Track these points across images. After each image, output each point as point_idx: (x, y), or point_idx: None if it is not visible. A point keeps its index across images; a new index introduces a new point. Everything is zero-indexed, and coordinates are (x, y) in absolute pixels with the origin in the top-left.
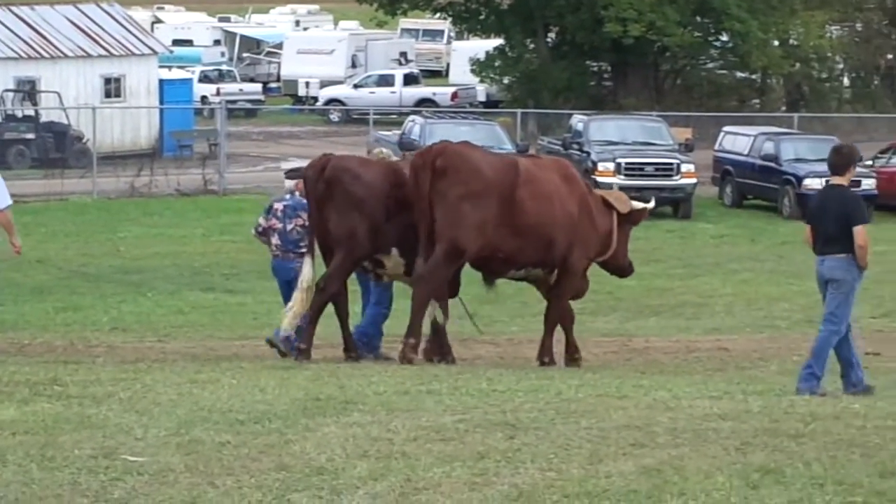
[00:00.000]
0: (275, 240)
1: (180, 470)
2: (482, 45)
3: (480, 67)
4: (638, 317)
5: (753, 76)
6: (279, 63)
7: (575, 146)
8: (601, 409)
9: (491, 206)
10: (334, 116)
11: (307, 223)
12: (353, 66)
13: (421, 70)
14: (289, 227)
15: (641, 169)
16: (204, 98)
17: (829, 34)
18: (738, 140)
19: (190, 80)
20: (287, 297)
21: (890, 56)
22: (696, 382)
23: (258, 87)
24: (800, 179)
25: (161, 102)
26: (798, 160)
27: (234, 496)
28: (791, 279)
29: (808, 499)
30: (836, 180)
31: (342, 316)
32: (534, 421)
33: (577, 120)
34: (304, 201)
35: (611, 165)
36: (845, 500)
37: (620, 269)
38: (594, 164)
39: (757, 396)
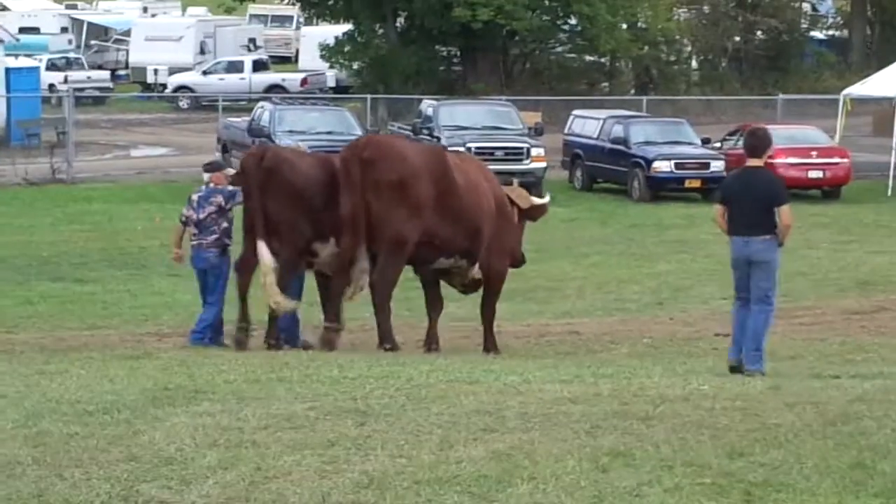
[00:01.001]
0: (192, 228)
1: (28, 462)
2: (331, 31)
3: (330, 53)
4: None
5: (602, 60)
6: (127, 50)
7: (425, 131)
8: (452, 394)
9: (425, 191)
10: (183, 103)
11: (220, 208)
12: (202, 52)
13: (270, 56)
14: (202, 215)
15: (491, 153)
16: (51, 86)
17: (676, 17)
18: (587, 123)
19: (37, 68)
20: (204, 287)
21: (737, 38)
22: (546, 366)
23: (106, 74)
24: (649, 162)
25: (7, 91)
26: (647, 143)
27: (82, 488)
28: (641, 262)
29: (657, 481)
30: (754, 162)
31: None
32: (384, 407)
33: (427, 105)
34: (217, 188)
35: (461, 150)
36: (694, 482)
37: (514, 260)
38: (444, 149)
39: (607, 380)
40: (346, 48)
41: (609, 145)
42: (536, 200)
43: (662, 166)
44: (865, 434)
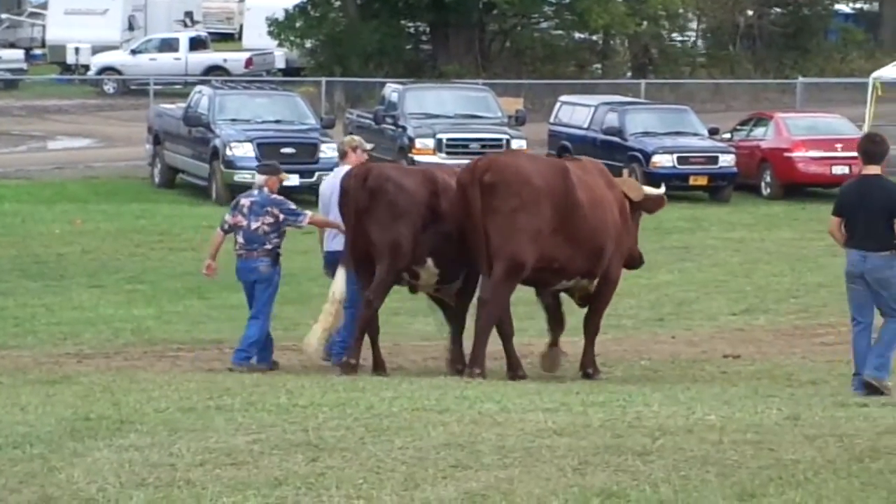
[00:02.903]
0: (239, 238)
1: None
2: (280, 3)
3: (279, 29)
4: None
5: (594, 37)
6: (44, 26)
7: (388, 120)
8: (418, 425)
9: (545, 215)
10: (109, 87)
11: (277, 221)
12: (131, 28)
13: (210, 33)
14: (254, 225)
15: (465, 146)
16: None
17: None
18: (576, 111)
19: None
20: (252, 300)
21: (750, 13)
22: (528, 392)
23: (20, 53)
24: (648, 156)
25: None
26: (646, 134)
27: None
28: (638, 271)
29: None
30: (872, 170)
31: (374, 335)
32: (340, 440)
33: (392, 90)
34: (274, 197)
35: (430, 142)
36: None
37: (632, 260)
38: (411, 140)
39: (598, 408)
40: (298, 23)
41: (602, 136)
42: (651, 191)
43: (663, 161)
44: None
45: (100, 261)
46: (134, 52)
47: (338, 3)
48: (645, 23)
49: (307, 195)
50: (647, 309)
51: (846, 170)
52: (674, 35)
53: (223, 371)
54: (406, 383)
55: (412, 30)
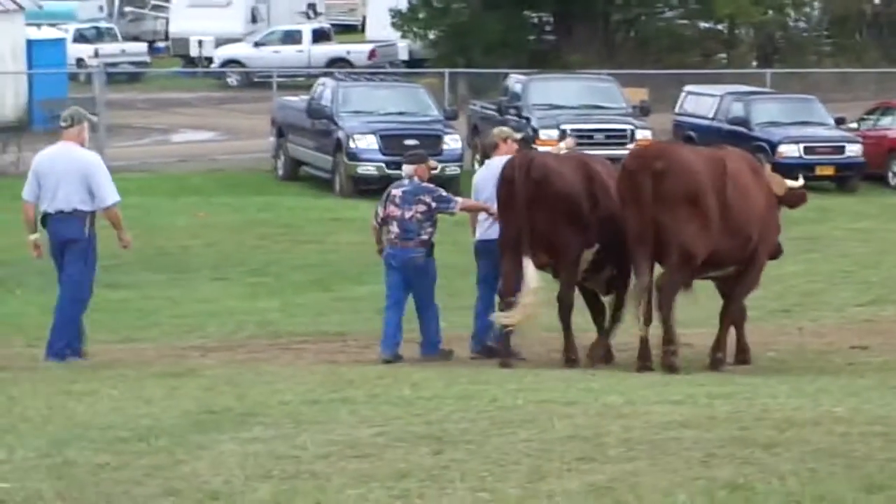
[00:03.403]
0: (393, 228)
1: (50, 497)
2: None
3: (402, 20)
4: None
5: (719, 26)
6: (167, 19)
7: (512, 111)
8: (543, 417)
9: (711, 205)
10: (232, 80)
11: (429, 209)
12: (254, 20)
13: (333, 24)
14: (408, 214)
15: (590, 136)
16: (80, 61)
17: None
18: (701, 101)
19: (63, 39)
20: (404, 290)
21: (877, 1)
22: (654, 385)
23: (143, 46)
24: (774, 146)
25: (29, 67)
26: (772, 124)
27: None
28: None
29: None
30: None
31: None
32: (464, 433)
33: (515, 80)
34: (425, 185)
35: (554, 133)
36: None
37: (774, 251)
38: (535, 131)
39: (724, 400)
40: (421, 14)
41: (727, 126)
42: (792, 184)
43: (790, 151)
44: None
45: (223, 253)
46: (257, 44)
47: None
48: (770, 12)
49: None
50: (772, 300)
51: None
52: (800, 24)
53: (347, 363)
54: (531, 376)
55: (535, 20)
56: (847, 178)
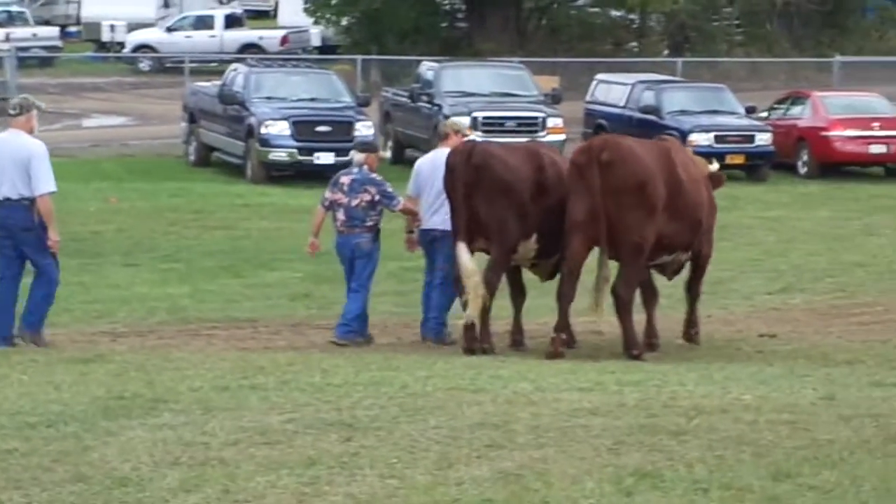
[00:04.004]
0: (340, 214)
1: None
2: None
3: (315, 6)
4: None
5: (631, 15)
6: (79, 3)
7: (424, 98)
8: (452, 404)
9: (660, 193)
10: (144, 65)
11: (373, 200)
12: (166, 5)
13: (245, 10)
14: (354, 202)
15: (501, 124)
16: None
17: None
18: (613, 89)
19: None
20: (350, 275)
21: None
22: (563, 372)
23: (55, 31)
24: (685, 134)
25: None
26: (682, 112)
27: None
28: None
29: None
30: None
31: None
32: (374, 420)
33: (427, 68)
34: (372, 177)
35: (466, 120)
36: None
37: None
38: (446, 118)
39: (633, 388)
40: (334, 1)
41: (638, 115)
42: (712, 168)
43: (700, 139)
44: None
45: (134, 239)
46: (169, 29)
47: None
48: (682, 0)
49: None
50: (681, 288)
51: (884, 149)
52: (710, 13)
53: (258, 350)
54: (441, 362)
55: (448, 7)
56: (757, 166)
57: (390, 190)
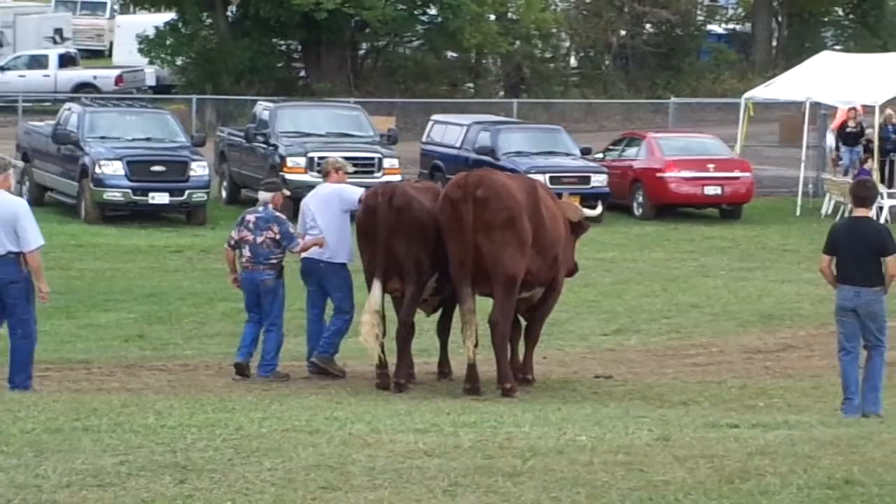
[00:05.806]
0: (245, 251)
1: None
2: (151, 20)
3: (149, 46)
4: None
5: (467, 56)
6: None
7: (259, 138)
8: (288, 446)
9: (527, 229)
10: None
11: (277, 237)
12: (0, 45)
13: (80, 49)
14: (259, 239)
15: None
16: None
17: (553, 7)
18: (448, 130)
19: None
20: (253, 309)
21: (623, 33)
22: (398, 413)
23: None
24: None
25: None
26: (518, 153)
27: None
28: None
29: None
30: (862, 213)
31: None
32: (208, 462)
33: (263, 108)
34: (277, 216)
35: (301, 161)
36: None
37: (570, 270)
38: (282, 158)
39: (469, 429)
40: (169, 40)
41: (474, 156)
42: (588, 212)
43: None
44: (768, 493)
45: None
46: (2, 68)
47: (209, 22)
48: (517, 42)
49: (176, 214)
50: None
51: (718, 190)
52: (546, 54)
53: (91, 391)
54: (276, 404)
55: (284, 48)
56: (592, 208)
57: (291, 231)
